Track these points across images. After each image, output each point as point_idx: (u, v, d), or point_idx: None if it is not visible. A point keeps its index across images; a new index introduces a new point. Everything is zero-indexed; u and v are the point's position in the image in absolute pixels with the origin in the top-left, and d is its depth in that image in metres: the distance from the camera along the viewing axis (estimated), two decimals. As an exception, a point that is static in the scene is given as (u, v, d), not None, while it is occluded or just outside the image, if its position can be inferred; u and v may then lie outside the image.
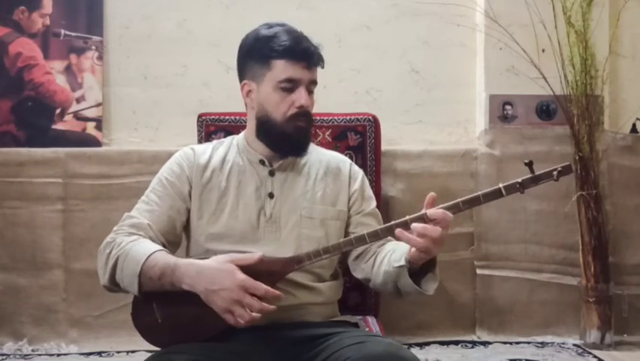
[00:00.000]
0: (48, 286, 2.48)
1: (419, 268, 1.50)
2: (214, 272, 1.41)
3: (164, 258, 1.46)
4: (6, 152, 2.49)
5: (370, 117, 2.25)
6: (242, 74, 1.66)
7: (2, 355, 2.37)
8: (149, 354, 1.40)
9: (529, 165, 1.39)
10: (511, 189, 1.41)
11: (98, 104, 2.55)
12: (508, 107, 2.58)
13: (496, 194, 1.41)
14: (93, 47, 2.54)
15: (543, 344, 2.48)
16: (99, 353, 2.39)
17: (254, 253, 1.46)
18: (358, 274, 1.68)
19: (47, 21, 2.53)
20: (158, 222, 1.59)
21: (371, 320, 1.98)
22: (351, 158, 1.87)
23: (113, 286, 1.52)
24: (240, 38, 2.60)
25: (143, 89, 2.58)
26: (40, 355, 2.40)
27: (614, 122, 2.62)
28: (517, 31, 2.50)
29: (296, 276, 1.55)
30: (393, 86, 2.62)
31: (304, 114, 1.59)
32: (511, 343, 2.49)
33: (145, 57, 2.57)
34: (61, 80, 2.53)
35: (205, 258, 1.48)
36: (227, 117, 2.21)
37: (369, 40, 2.60)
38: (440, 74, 2.63)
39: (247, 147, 1.69)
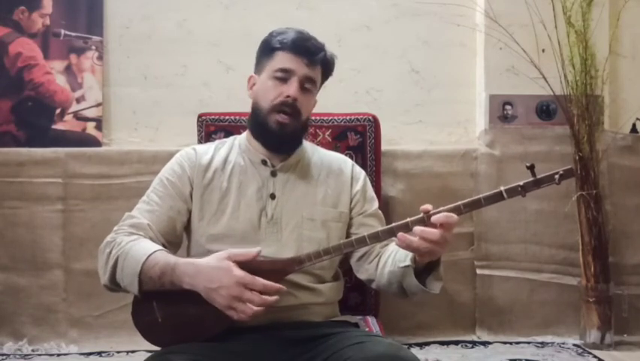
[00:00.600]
0: (48, 286, 2.48)
1: (423, 268, 1.50)
2: (212, 270, 1.42)
3: (164, 257, 1.46)
4: (6, 152, 2.49)
5: (370, 117, 2.26)
6: (254, 68, 1.70)
7: (2, 355, 2.37)
8: (149, 354, 1.41)
9: (531, 168, 1.40)
10: (512, 192, 1.41)
11: (98, 104, 2.55)
12: (508, 107, 2.58)
13: (498, 197, 1.42)
14: (93, 47, 2.54)
15: (543, 344, 2.48)
16: (99, 353, 2.39)
17: (252, 248, 1.46)
18: (362, 274, 1.68)
19: (47, 21, 2.53)
20: (158, 223, 1.59)
21: (371, 320, 1.98)
22: (351, 158, 1.87)
23: (113, 285, 1.52)
24: (239, 38, 2.61)
25: (143, 89, 2.57)
26: (40, 355, 2.40)
27: (614, 122, 2.62)
28: (517, 31, 2.50)
29: (297, 277, 1.55)
30: (393, 86, 2.62)
31: (289, 105, 1.59)
32: (511, 343, 2.49)
33: (145, 57, 2.57)
34: (61, 80, 2.53)
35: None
36: (227, 117, 2.21)
37: (369, 40, 2.60)
38: (440, 74, 2.63)
39: (248, 146, 1.69)
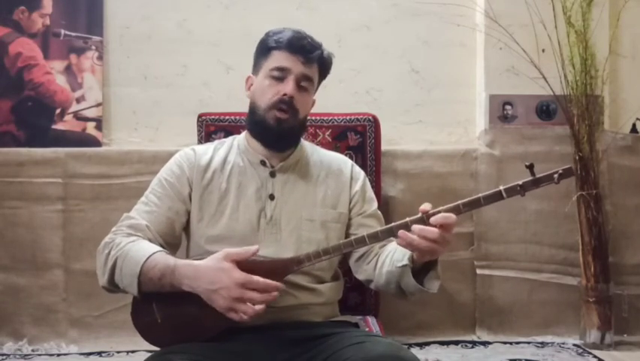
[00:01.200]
0: (48, 286, 2.48)
1: (421, 267, 1.50)
2: (211, 272, 1.41)
3: (163, 259, 1.46)
4: (6, 152, 2.49)
5: (370, 117, 2.25)
6: (252, 69, 1.70)
7: (2, 355, 2.37)
8: (149, 354, 1.41)
9: (530, 167, 1.39)
10: (511, 191, 1.41)
11: (98, 104, 2.55)
12: (508, 107, 2.58)
13: (497, 196, 1.41)
14: (93, 47, 2.54)
15: (543, 344, 2.48)
16: (99, 353, 2.39)
17: (250, 247, 1.45)
18: (360, 275, 1.68)
19: (47, 21, 2.53)
20: (157, 224, 1.58)
21: (371, 320, 1.98)
22: (351, 158, 1.87)
23: (112, 286, 1.52)
24: (239, 38, 2.61)
25: (143, 89, 2.58)
26: (40, 355, 2.40)
27: (614, 122, 2.62)
28: (517, 31, 2.50)
29: (296, 278, 1.55)
30: (393, 86, 2.62)
31: (286, 103, 1.59)
32: (511, 343, 2.49)
33: (145, 57, 2.57)
34: (61, 80, 2.53)
35: (203, 258, 1.47)
36: (227, 117, 2.21)
37: (369, 40, 2.61)
38: (440, 74, 2.63)
39: (247, 146, 1.68)
